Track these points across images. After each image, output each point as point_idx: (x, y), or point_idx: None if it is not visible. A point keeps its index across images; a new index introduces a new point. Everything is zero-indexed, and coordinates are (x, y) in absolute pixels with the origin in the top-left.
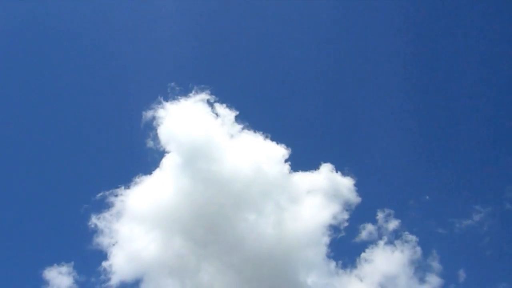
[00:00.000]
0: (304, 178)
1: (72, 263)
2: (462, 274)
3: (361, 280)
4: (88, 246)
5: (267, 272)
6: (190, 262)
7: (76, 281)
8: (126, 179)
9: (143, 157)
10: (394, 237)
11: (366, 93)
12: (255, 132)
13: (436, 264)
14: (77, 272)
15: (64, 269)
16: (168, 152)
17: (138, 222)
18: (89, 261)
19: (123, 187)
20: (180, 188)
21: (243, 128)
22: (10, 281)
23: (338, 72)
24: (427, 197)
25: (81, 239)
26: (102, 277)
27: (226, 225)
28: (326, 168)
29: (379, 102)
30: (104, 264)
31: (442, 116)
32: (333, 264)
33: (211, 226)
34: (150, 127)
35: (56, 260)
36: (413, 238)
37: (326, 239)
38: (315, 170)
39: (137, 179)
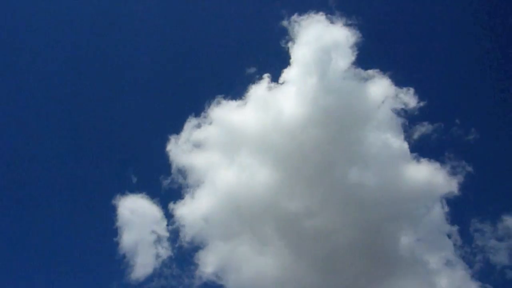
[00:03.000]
0: (430, 131)
1: (147, 193)
2: None
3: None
4: (168, 175)
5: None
6: (277, 200)
7: (157, 210)
8: (230, 92)
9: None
10: None
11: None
12: (385, 73)
13: None
14: (155, 202)
15: (141, 199)
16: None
17: (229, 144)
18: (166, 192)
19: (223, 100)
20: (287, 114)
21: (373, 66)
22: (84, 207)
23: None
24: None
25: (160, 166)
26: (176, 206)
27: (326, 164)
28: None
29: None
30: (180, 199)
31: None
32: (447, 237)
33: (311, 164)
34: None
35: (132, 189)
36: None
37: (443, 205)
38: (445, 125)
39: (243, 95)
